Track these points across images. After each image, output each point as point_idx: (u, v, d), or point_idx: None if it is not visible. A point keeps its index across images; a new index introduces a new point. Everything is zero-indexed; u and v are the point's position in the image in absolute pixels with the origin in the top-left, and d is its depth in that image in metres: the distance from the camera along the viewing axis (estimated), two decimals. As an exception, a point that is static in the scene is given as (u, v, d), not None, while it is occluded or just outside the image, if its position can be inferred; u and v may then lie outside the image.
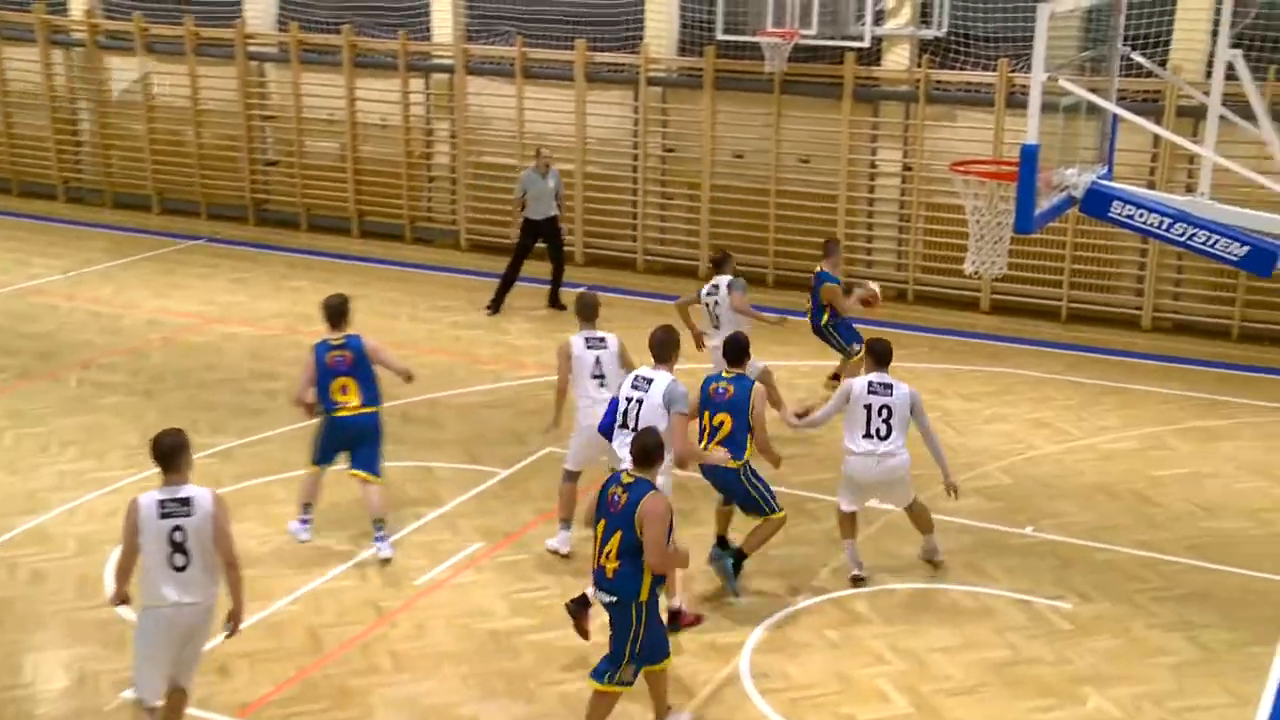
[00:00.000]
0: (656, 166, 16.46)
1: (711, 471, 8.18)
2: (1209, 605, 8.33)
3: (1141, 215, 7.84)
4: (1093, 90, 8.40)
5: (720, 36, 15.07)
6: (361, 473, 8.94)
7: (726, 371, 8.25)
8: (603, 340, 8.86)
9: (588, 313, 8.92)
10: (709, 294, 10.89)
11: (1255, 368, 12.92)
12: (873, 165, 15.42)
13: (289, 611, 8.23)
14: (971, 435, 11.18)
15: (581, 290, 9.07)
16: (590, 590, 7.00)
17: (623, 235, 16.68)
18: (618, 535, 6.53)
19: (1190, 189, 8.23)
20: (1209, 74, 7.86)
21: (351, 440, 9.02)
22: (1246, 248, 7.57)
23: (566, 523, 8.93)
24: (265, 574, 8.65)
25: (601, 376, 8.76)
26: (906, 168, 15.06)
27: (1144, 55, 9.78)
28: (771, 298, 15.34)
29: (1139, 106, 13.15)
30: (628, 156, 16.51)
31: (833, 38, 14.54)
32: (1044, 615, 8.20)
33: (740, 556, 8.37)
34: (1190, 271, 14.01)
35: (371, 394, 9.02)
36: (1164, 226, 7.77)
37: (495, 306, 14.61)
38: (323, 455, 9.10)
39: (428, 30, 17.44)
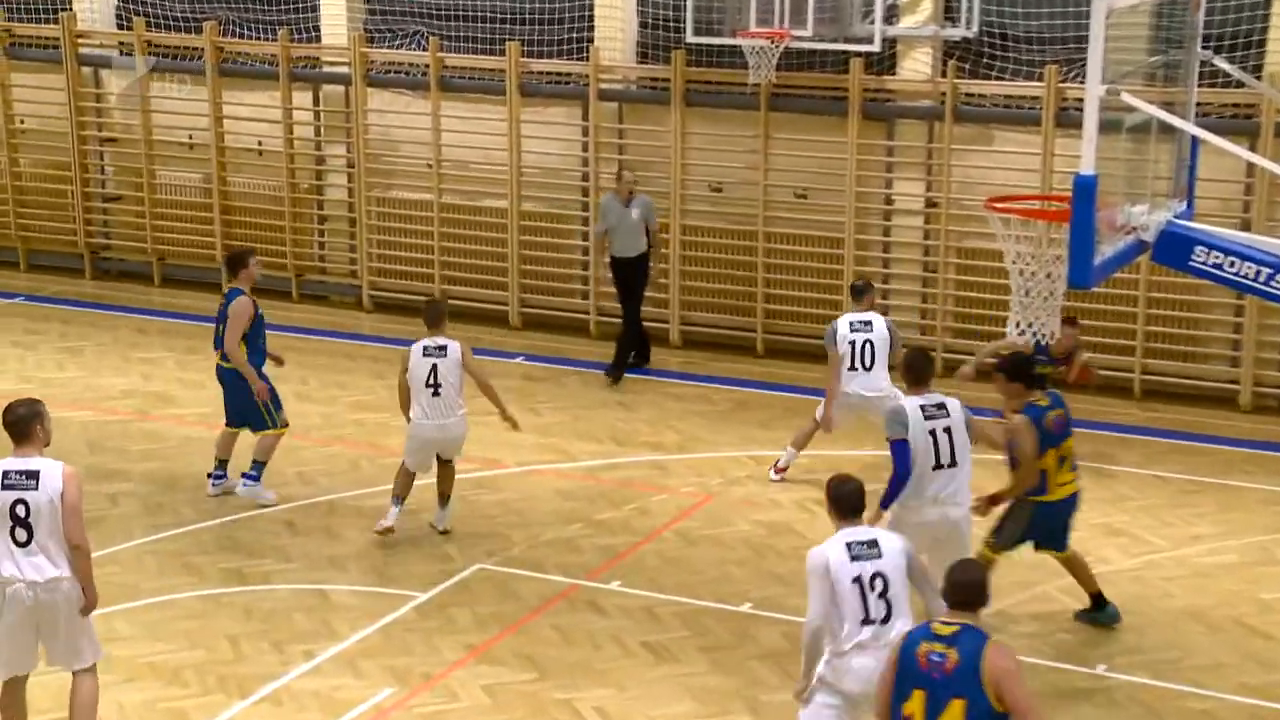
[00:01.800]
0: (613, 203, 16.62)
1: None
2: (1336, 765, 8.40)
3: (1232, 264, 8.01)
4: (1166, 106, 8.63)
5: (691, 39, 15.34)
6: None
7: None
8: (443, 349, 11.02)
9: (433, 318, 11.18)
10: (857, 329, 11.95)
11: (1383, 457, 13.15)
12: (888, 201, 15.64)
13: (139, 784, 8.13)
14: (1025, 546, 11.25)
15: (429, 298, 10.61)
16: None
17: (570, 291, 16.78)
18: (959, 706, 6.13)
19: (1295, 229, 8.43)
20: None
21: (223, 390, 11.93)
22: (1367, 304, 7.74)
23: (399, 499, 11.05)
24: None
25: (437, 385, 10.92)
26: (931, 204, 15.30)
27: (1231, 61, 10.07)
28: (765, 370, 15.50)
29: (1227, 125, 13.47)
30: (576, 190, 16.66)
31: (834, 40, 14.82)
32: (1124, 778, 8.27)
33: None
34: (1298, 335, 14.28)
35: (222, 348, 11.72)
36: (1261, 278, 7.94)
37: (615, 373, 14.97)
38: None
39: (316, 30, 17.62)
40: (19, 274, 18.66)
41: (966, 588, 6.36)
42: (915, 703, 6.18)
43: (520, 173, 16.58)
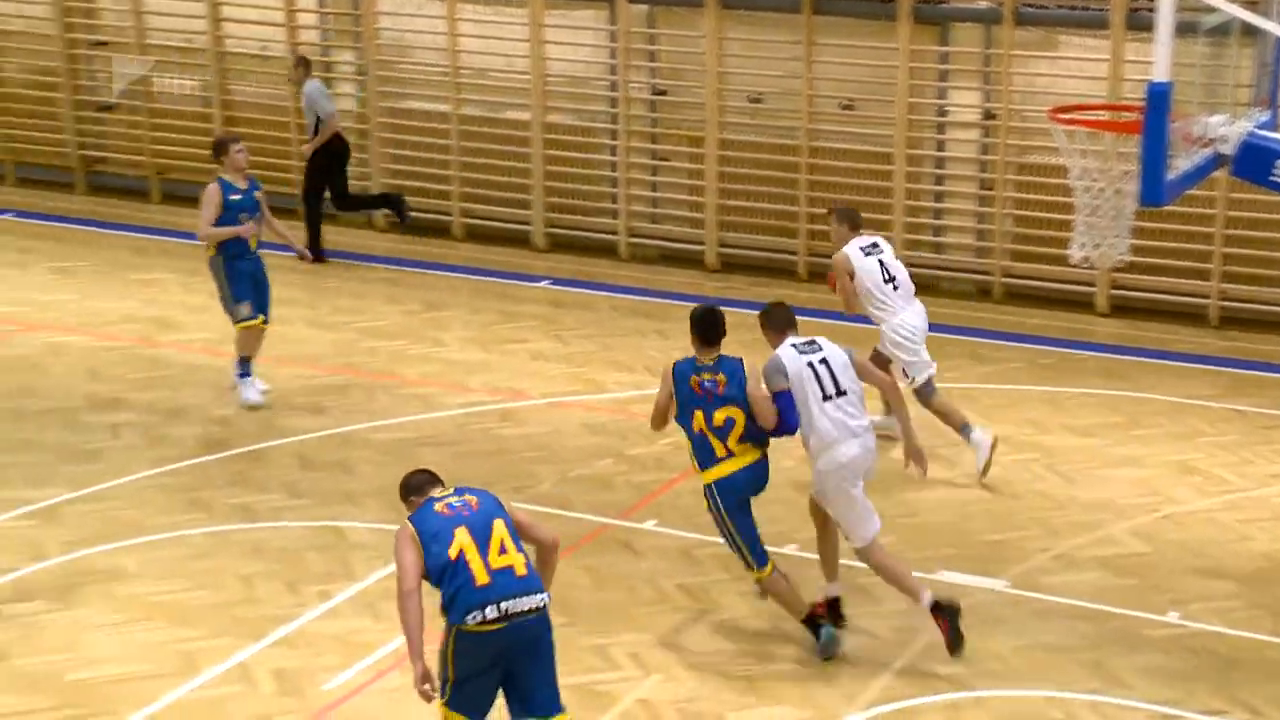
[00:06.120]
0: (644, 115, 16.55)
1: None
2: None
3: (1320, 178, 7.99)
4: (1249, 5, 8.55)
5: (730, -66, 15.26)
6: None
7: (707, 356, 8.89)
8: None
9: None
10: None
11: None
12: (942, 112, 15.56)
13: (147, 731, 8.28)
14: (1088, 484, 11.27)
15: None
16: None
17: (599, 210, 16.76)
18: (499, 524, 7.24)
19: (1389, 141, 8.33)
20: None
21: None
22: None
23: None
24: (112, 678, 8.65)
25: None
26: (989, 115, 15.20)
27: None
28: (809, 295, 15.44)
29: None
30: (604, 101, 16.58)
31: (885, -64, 14.73)
32: (1197, 733, 8.31)
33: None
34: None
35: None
36: (1352, 194, 7.90)
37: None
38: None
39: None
40: (7, 188, 18.73)
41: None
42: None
43: (545, 82, 16.51)
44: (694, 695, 8.55)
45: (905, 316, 11.28)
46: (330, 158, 16.13)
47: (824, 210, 15.58)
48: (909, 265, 15.30)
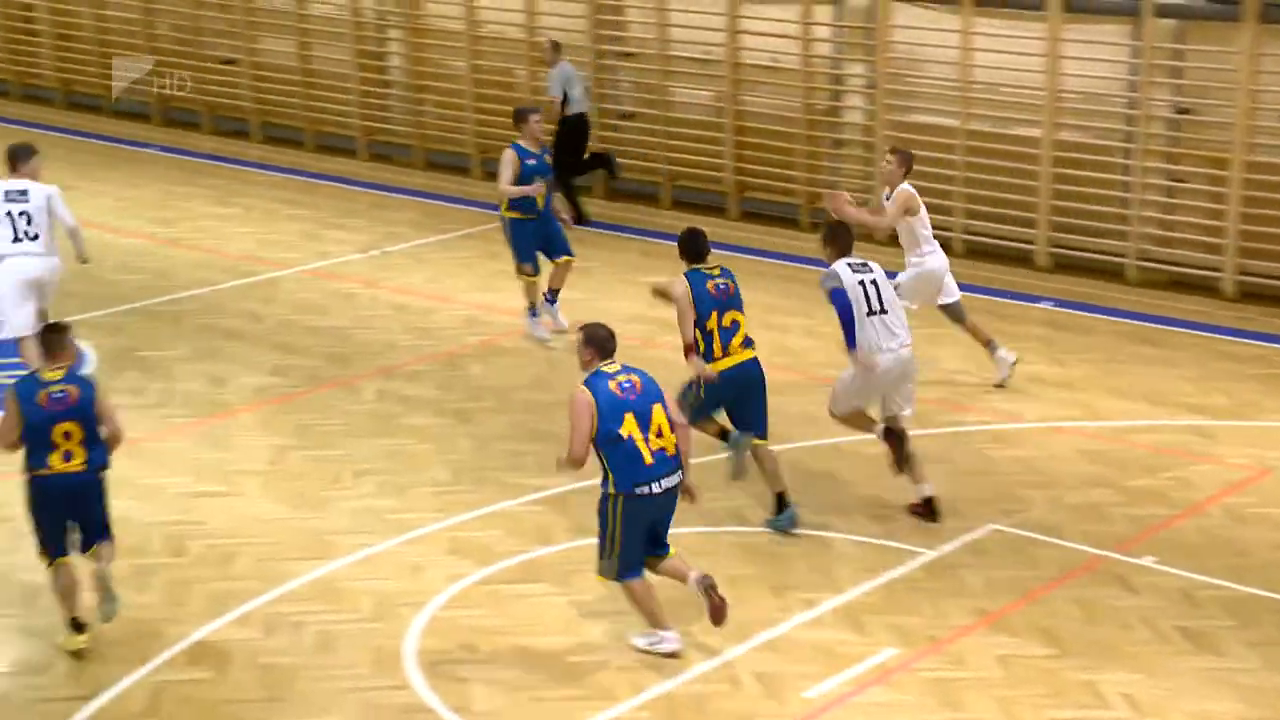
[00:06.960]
0: (1163, 134, 15.94)
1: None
2: None
3: None
4: None
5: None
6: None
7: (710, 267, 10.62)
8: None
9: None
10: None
11: None
12: None
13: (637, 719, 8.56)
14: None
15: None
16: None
17: (1107, 231, 16.23)
18: (658, 409, 8.91)
19: None
20: None
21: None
22: None
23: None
24: (607, 665, 9.03)
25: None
26: None
27: None
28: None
29: None
30: (1120, 119, 16.07)
31: None
32: None
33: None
34: None
35: None
36: None
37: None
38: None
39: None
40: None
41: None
42: (631, 420, 8.82)
43: (1057, 98, 16.12)
44: (1190, 744, 8.19)
45: (939, 257, 12.97)
46: (576, 134, 17.90)
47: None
48: None
